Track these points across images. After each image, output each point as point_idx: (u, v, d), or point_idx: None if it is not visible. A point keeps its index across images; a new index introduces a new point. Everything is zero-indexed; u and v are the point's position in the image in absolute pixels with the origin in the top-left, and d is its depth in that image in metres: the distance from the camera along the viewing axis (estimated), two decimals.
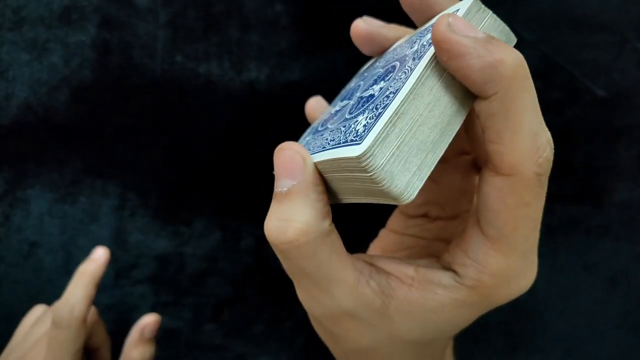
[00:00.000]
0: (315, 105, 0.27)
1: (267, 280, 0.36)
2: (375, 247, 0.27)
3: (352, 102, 0.21)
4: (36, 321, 0.31)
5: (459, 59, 0.16)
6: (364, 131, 0.17)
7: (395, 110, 0.16)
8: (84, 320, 0.28)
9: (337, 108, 0.23)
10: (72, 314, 0.27)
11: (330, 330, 0.21)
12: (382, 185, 0.16)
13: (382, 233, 0.26)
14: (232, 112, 0.34)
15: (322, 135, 0.21)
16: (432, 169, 0.17)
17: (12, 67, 0.33)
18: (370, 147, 0.16)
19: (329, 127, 0.21)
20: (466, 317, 0.20)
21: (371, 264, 0.20)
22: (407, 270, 0.20)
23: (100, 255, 0.30)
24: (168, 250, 0.35)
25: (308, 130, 0.25)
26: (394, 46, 0.23)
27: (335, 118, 0.21)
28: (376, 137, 0.16)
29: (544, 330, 0.36)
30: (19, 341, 0.31)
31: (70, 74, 0.33)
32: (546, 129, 0.17)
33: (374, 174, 0.16)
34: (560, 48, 0.33)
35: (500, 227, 0.18)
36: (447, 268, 0.19)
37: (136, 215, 0.35)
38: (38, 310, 0.33)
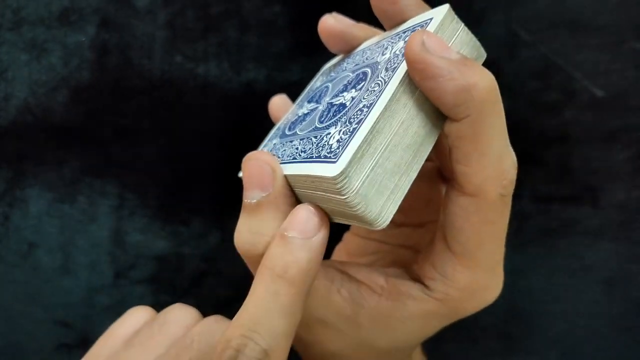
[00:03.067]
0: (280, 104, 0.27)
1: None
2: (340, 250, 0.27)
3: (321, 107, 0.20)
4: (139, 338, 0.22)
5: (432, 80, 0.15)
6: (337, 147, 0.16)
7: (371, 128, 0.15)
8: None
9: (305, 110, 0.22)
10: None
11: (301, 337, 0.20)
12: (357, 210, 0.15)
13: (347, 236, 0.26)
14: (231, 112, 0.35)
15: (291, 142, 0.20)
16: (405, 193, 0.16)
17: (11, 67, 0.33)
18: (346, 168, 0.15)
19: (298, 133, 0.20)
20: (433, 327, 0.20)
21: (343, 272, 0.20)
22: (377, 280, 0.20)
23: (311, 228, 0.17)
24: (167, 251, 0.35)
25: (273, 131, 0.24)
26: (363, 47, 0.22)
27: (304, 123, 0.20)
28: (352, 157, 0.15)
29: (541, 332, 0.36)
30: (118, 348, 0.22)
31: (69, 75, 0.33)
32: (511, 150, 0.17)
33: (348, 197, 0.15)
34: (558, 49, 0.33)
35: (465, 244, 0.18)
36: (416, 280, 0.20)
37: (135, 216, 0.35)
38: (138, 315, 0.24)
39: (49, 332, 0.35)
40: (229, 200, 0.35)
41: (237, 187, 0.35)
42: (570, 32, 0.33)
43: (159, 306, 0.35)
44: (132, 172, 0.35)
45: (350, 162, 0.15)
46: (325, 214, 0.17)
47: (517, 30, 0.33)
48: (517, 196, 0.35)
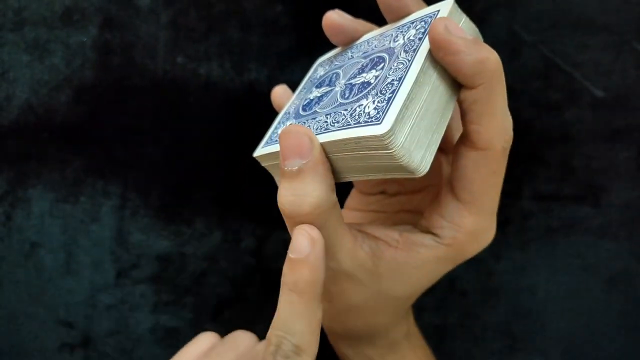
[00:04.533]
0: (282, 93, 0.30)
1: (268, 280, 0.36)
2: None
3: (338, 88, 0.23)
4: (218, 345, 0.25)
5: (454, 55, 0.19)
6: (377, 113, 0.19)
7: (407, 95, 0.19)
8: None
9: (317, 94, 0.24)
10: None
11: (327, 290, 0.23)
12: (402, 161, 0.18)
13: (343, 213, 0.29)
14: (233, 112, 0.35)
15: (314, 118, 0.22)
16: (437, 146, 0.20)
17: (13, 67, 0.33)
18: (392, 127, 0.18)
19: (319, 111, 0.22)
20: (442, 271, 0.24)
21: (361, 231, 0.23)
22: (392, 234, 0.23)
23: (307, 246, 0.19)
24: (169, 250, 0.35)
25: (282, 115, 0.27)
26: (364, 39, 0.26)
27: (322, 103, 0.23)
28: (396, 117, 0.18)
29: (543, 331, 0.36)
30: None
31: (72, 75, 0.34)
32: (509, 113, 0.21)
33: (395, 150, 0.18)
34: (560, 49, 0.33)
35: (474, 192, 0.21)
36: (426, 231, 0.23)
37: (137, 215, 0.35)
38: (206, 340, 0.26)
39: (52, 331, 0.35)
40: (231, 200, 0.35)
41: (238, 187, 0.35)
42: (571, 33, 0.33)
43: (161, 305, 0.35)
44: (134, 172, 0.35)
45: (395, 122, 0.18)
46: (317, 232, 0.20)
47: (519, 30, 0.34)
48: (519, 195, 0.35)
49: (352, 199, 0.29)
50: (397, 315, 0.26)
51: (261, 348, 0.24)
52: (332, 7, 0.34)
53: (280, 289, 0.20)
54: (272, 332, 0.20)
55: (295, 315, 0.20)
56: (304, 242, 0.20)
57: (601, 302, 0.36)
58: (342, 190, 0.28)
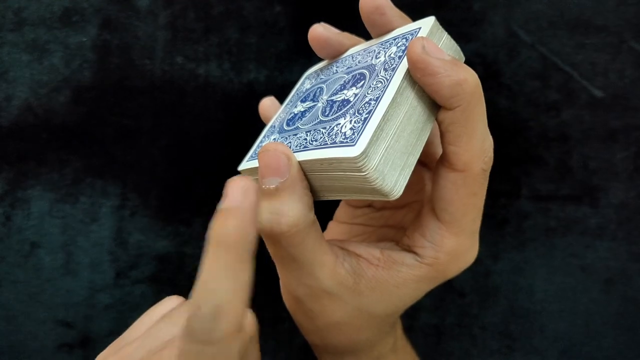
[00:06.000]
0: (269, 105, 0.29)
1: (266, 280, 0.36)
2: (326, 236, 0.29)
3: (320, 104, 0.23)
4: (168, 314, 0.25)
5: (431, 77, 0.18)
6: (352, 134, 0.18)
7: (383, 116, 0.18)
8: (239, 330, 0.18)
9: (301, 109, 0.24)
10: (217, 323, 0.17)
11: (308, 308, 0.23)
12: (375, 184, 0.18)
13: (331, 225, 0.29)
14: (231, 113, 0.35)
15: (295, 134, 0.22)
16: (412, 169, 0.19)
17: (12, 68, 0.33)
18: (366, 149, 0.17)
19: (301, 127, 0.22)
20: (423, 290, 0.23)
21: (343, 248, 0.23)
22: (374, 253, 0.23)
23: (237, 197, 0.18)
24: (168, 250, 0.35)
25: (267, 129, 0.27)
26: (349, 53, 0.25)
27: (304, 119, 0.23)
28: (370, 139, 0.18)
29: (541, 331, 0.36)
30: (142, 333, 0.24)
31: (71, 75, 0.34)
32: (489, 134, 0.21)
33: (368, 173, 0.18)
34: (558, 49, 0.34)
35: (453, 213, 0.21)
36: (408, 250, 0.23)
37: (136, 216, 0.35)
38: (172, 302, 0.26)
39: (50, 331, 0.35)
40: None
41: None
42: (569, 33, 0.33)
43: None
44: (133, 172, 0.35)
45: (369, 144, 0.18)
46: (255, 182, 0.19)
47: (517, 30, 0.34)
48: (516, 195, 0.35)
49: (341, 211, 0.29)
50: (381, 331, 0.25)
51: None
52: (330, 9, 0.34)
53: (208, 245, 0.18)
54: (193, 295, 0.18)
55: (219, 272, 0.17)
56: (235, 193, 0.18)
57: (599, 302, 0.36)
58: (333, 202, 0.28)
